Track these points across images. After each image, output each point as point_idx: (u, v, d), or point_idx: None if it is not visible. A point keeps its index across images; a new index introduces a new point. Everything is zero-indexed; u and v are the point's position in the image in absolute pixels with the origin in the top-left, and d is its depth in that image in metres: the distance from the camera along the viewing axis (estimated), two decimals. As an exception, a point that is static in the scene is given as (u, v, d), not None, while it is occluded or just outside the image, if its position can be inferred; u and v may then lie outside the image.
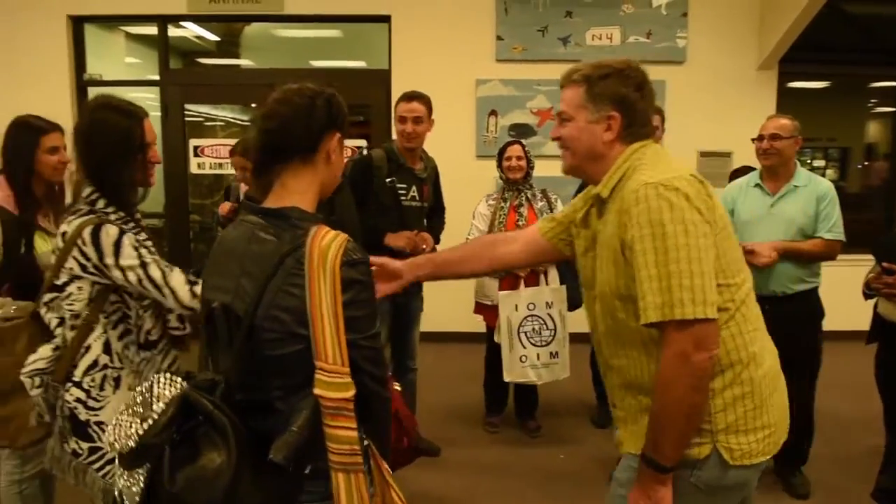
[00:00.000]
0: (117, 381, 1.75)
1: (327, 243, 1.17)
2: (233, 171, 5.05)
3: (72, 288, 1.70)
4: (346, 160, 3.51)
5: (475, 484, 3.20)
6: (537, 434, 3.70)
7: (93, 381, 1.71)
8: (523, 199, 3.55)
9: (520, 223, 3.48)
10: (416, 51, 5.20)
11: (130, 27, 5.97)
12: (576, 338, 4.11)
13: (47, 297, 1.75)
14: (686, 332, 1.25)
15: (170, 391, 1.16)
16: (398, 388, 3.13)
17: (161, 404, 1.14)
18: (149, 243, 1.77)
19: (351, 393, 1.17)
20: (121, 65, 6.10)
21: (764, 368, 1.39)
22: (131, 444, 1.10)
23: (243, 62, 6.43)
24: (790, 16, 4.79)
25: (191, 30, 5.81)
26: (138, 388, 1.20)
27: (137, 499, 1.15)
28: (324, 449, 1.17)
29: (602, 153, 1.43)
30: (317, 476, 1.20)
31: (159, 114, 5.52)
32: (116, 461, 1.17)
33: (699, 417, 1.32)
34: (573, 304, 3.59)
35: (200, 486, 1.10)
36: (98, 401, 1.72)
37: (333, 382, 1.15)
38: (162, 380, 1.19)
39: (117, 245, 1.66)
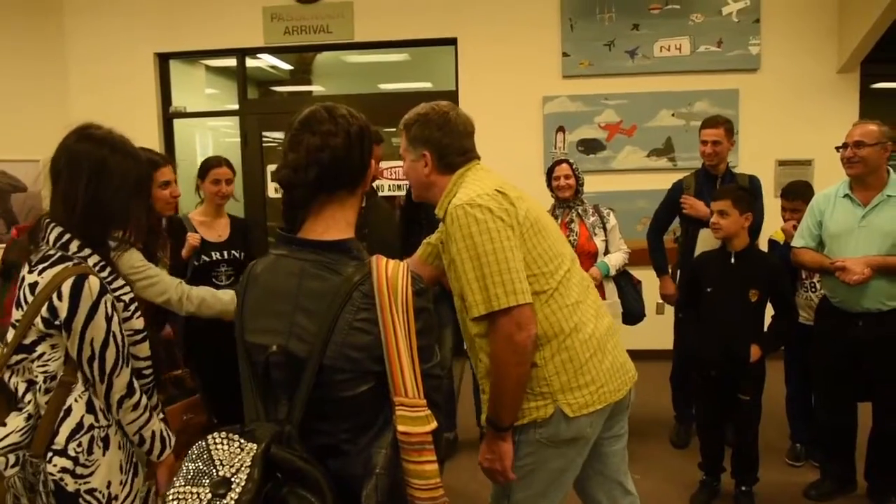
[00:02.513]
0: (105, 440, 1.56)
1: (393, 273, 1.13)
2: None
3: (43, 347, 1.51)
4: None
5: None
6: None
7: (79, 445, 1.51)
8: (573, 215, 3.53)
9: (570, 238, 3.45)
10: (482, 71, 5.26)
11: (209, 60, 6.30)
12: (653, 355, 4.04)
13: (14, 359, 1.52)
14: (507, 317, 1.53)
15: (232, 451, 1.07)
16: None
17: (231, 467, 1.05)
18: (128, 297, 1.61)
19: (433, 426, 1.13)
20: (201, 96, 6.42)
21: (584, 334, 1.68)
22: None
23: (315, 89, 6.67)
24: (873, 14, 4.55)
25: (266, 60, 6.08)
26: (193, 450, 1.09)
27: None
28: (401, 487, 1.14)
29: (429, 183, 1.73)
30: None
31: (238, 140, 5.79)
32: None
33: (525, 384, 1.60)
34: (634, 317, 3.54)
35: None
36: (87, 466, 1.52)
37: (417, 417, 1.11)
38: (218, 440, 1.09)
39: (93, 308, 1.48)
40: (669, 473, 3.36)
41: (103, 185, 1.53)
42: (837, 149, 2.85)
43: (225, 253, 2.94)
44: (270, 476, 1.06)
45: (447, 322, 3.42)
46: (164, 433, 1.69)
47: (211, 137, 6.72)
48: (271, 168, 5.57)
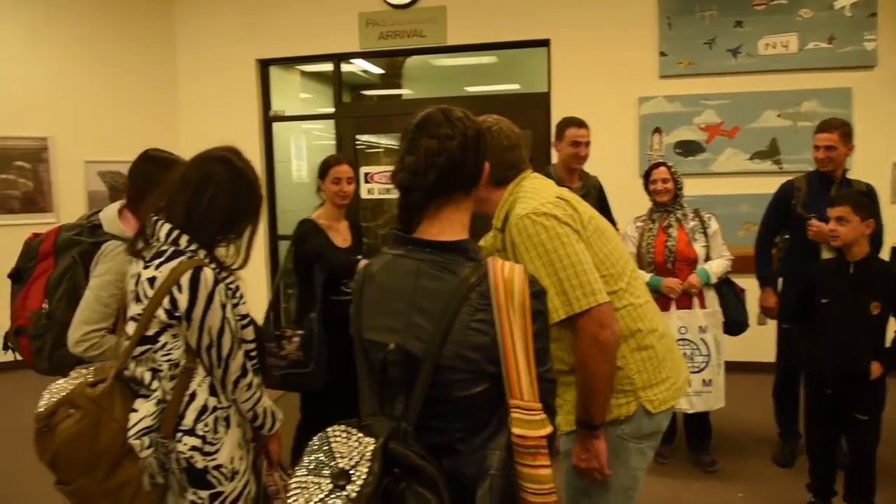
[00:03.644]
0: (227, 420, 1.68)
1: (510, 275, 1.13)
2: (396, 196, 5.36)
3: (165, 337, 1.61)
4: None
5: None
6: (713, 469, 3.47)
7: (206, 426, 1.63)
8: (672, 220, 3.41)
9: (668, 244, 3.34)
10: (576, 72, 5.19)
11: (305, 66, 6.52)
12: (752, 367, 3.87)
13: (138, 350, 1.63)
14: (588, 318, 1.52)
15: (351, 444, 1.10)
16: None
17: (357, 460, 1.07)
18: (234, 285, 1.71)
19: (549, 430, 1.12)
20: (296, 101, 6.67)
21: (659, 332, 1.71)
22: None
23: (404, 92, 6.78)
24: None
25: (358, 65, 6.23)
26: (312, 444, 1.12)
27: None
28: (514, 490, 1.13)
29: (483, 197, 1.69)
30: None
31: (329, 142, 5.96)
32: None
33: (613, 381, 1.60)
34: (737, 327, 3.38)
35: None
36: (213, 444, 1.64)
37: (532, 420, 1.11)
38: (337, 433, 1.11)
39: (210, 298, 1.58)
40: (774, 493, 3.19)
41: (220, 201, 1.65)
42: None
43: (353, 259, 2.81)
44: (388, 471, 1.07)
45: None
46: (273, 409, 1.81)
47: (304, 140, 6.96)
48: (364, 170, 5.70)
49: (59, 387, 1.68)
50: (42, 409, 1.64)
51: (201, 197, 1.63)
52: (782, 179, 3.60)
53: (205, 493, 1.64)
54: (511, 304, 1.11)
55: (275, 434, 1.82)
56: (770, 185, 3.65)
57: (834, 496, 2.90)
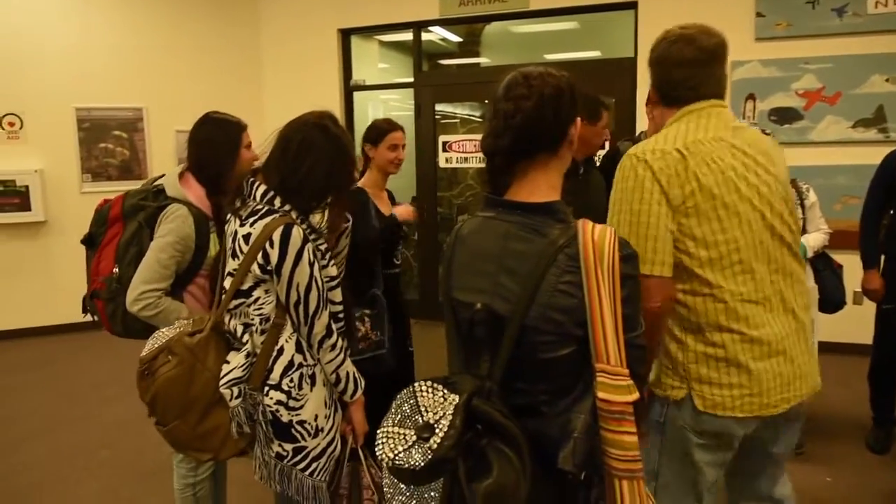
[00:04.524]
0: (312, 378, 1.71)
1: (600, 238, 1.11)
2: (474, 165, 5.35)
3: (258, 292, 1.66)
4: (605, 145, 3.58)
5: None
6: (800, 452, 3.32)
7: (291, 381, 1.67)
8: None
9: None
10: (663, 36, 4.95)
11: (383, 35, 6.54)
12: (845, 348, 3.66)
13: (233, 303, 1.69)
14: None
15: (436, 399, 1.11)
16: None
17: (435, 414, 1.08)
18: (323, 247, 1.74)
19: (635, 396, 1.10)
20: (375, 70, 6.71)
21: (751, 336, 1.48)
22: (427, 456, 1.04)
23: (482, 60, 6.69)
24: None
25: (436, 33, 6.19)
26: (400, 396, 1.14)
27: None
28: (596, 454, 1.12)
29: (650, 116, 1.65)
30: (586, 482, 1.16)
31: (406, 112, 5.98)
32: (394, 477, 1.11)
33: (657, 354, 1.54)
34: (834, 305, 3.21)
35: (502, 498, 1.05)
36: (298, 400, 1.68)
37: (618, 385, 1.09)
38: (424, 388, 1.13)
39: (299, 255, 1.61)
40: (864, 480, 3.03)
41: (318, 170, 1.68)
42: None
43: (398, 229, 2.73)
44: (471, 426, 1.09)
45: None
46: (356, 375, 1.82)
47: (382, 110, 7.01)
48: (442, 139, 5.69)
49: (162, 334, 1.77)
50: (145, 354, 1.74)
51: (300, 165, 1.66)
52: (888, 149, 3.34)
53: (289, 446, 1.69)
54: (600, 266, 1.09)
55: (357, 401, 1.83)
56: (873, 156, 3.40)
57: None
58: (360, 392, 1.83)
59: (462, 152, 5.60)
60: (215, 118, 2.16)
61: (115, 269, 2.05)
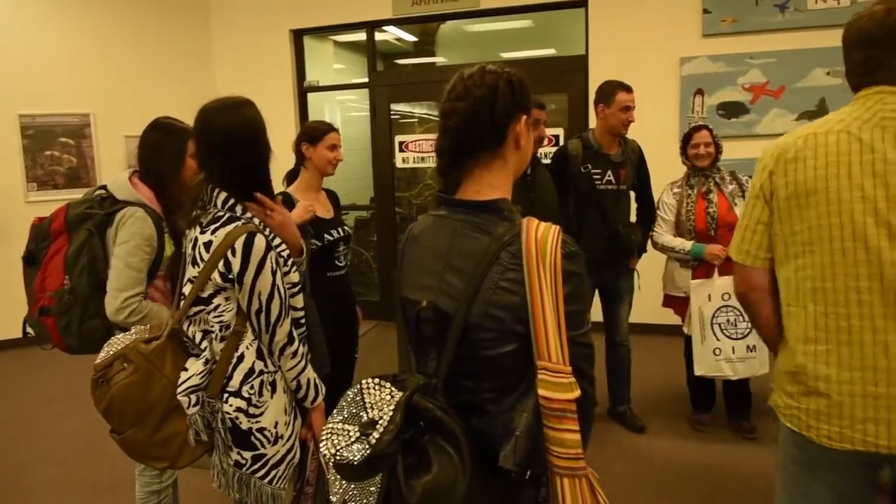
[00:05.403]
0: (273, 385, 1.70)
1: (543, 235, 1.11)
2: (431, 165, 5.33)
3: (218, 300, 1.65)
4: (544, 143, 3.63)
5: (683, 480, 3.06)
6: (752, 436, 3.42)
7: (252, 388, 1.66)
8: (711, 184, 3.32)
9: (709, 210, 3.26)
10: (614, 33, 5.04)
11: (338, 36, 6.48)
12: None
13: (192, 310, 1.67)
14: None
15: (382, 396, 1.11)
16: None
17: (380, 411, 1.09)
18: (286, 253, 1.73)
19: (576, 394, 1.09)
20: (330, 71, 6.65)
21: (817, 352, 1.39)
22: (364, 452, 1.05)
23: (438, 59, 6.70)
24: None
25: (391, 33, 6.17)
26: (349, 393, 1.15)
27: None
28: (541, 452, 1.12)
29: None
30: (532, 481, 1.16)
31: (363, 113, 5.95)
32: (334, 473, 1.12)
33: (763, 331, 1.62)
34: None
35: (439, 495, 1.05)
36: (258, 407, 1.67)
37: (559, 383, 1.09)
38: (371, 385, 1.13)
39: (261, 264, 1.61)
40: None
41: (243, 160, 1.68)
42: None
43: (340, 230, 2.74)
44: (413, 423, 1.09)
45: None
46: (317, 381, 1.81)
47: (339, 111, 6.95)
48: (399, 139, 5.68)
49: (118, 340, 1.74)
50: (100, 360, 1.71)
51: (228, 159, 1.66)
52: (832, 140, 3.45)
53: (248, 454, 1.68)
54: (542, 264, 1.09)
55: (318, 407, 1.82)
56: (818, 147, 3.50)
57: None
58: (321, 398, 1.82)
59: (419, 152, 5.60)
60: (163, 124, 2.16)
61: (66, 281, 2.01)
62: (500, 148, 1.21)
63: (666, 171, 3.63)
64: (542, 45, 6.51)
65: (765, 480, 3.00)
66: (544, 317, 1.09)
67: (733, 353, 3.24)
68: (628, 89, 3.34)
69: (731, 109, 4.85)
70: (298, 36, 5.93)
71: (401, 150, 5.67)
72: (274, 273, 1.63)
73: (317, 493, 1.93)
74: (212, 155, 1.67)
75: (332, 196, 2.88)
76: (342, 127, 6.33)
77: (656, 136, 4.49)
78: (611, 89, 3.35)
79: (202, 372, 1.66)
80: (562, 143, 4.87)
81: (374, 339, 3.02)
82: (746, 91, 4.83)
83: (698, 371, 3.30)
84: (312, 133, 2.69)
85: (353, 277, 3.29)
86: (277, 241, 1.73)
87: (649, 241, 3.50)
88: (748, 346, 3.24)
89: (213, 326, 1.67)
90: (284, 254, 1.73)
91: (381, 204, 5.98)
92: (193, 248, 1.67)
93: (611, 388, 3.69)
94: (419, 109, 6.31)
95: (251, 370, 1.66)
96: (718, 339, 3.25)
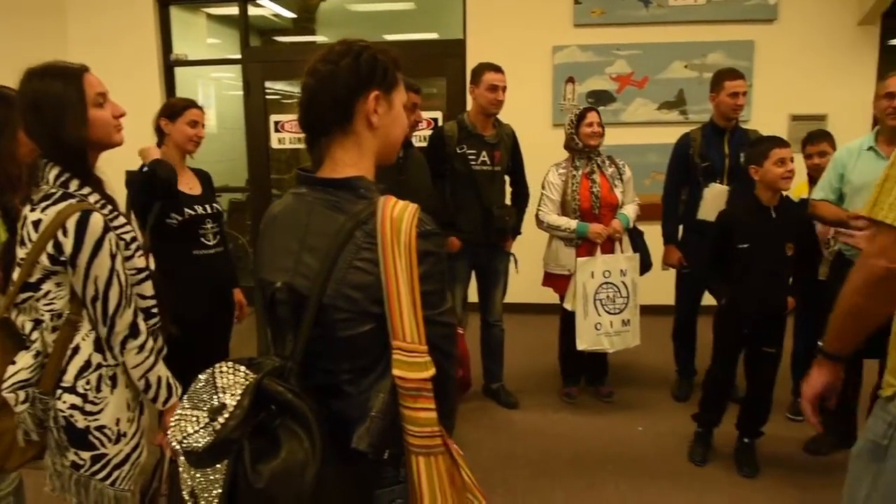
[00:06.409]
0: (113, 379, 1.58)
1: (399, 214, 1.10)
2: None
3: (48, 285, 1.51)
4: (420, 126, 3.64)
5: (550, 450, 3.21)
6: (610, 399, 3.70)
7: (88, 383, 1.54)
8: (594, 166, 3.50)
9: (593, 190, 3.44)
10: (491, 19, 5.12)
11: (211, 8, 6.15)
12: (657, 310, 4.04)
13: (20, 297, 1.53)
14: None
15: (236, 380, 1.09)
16: (461, 331, 3.15)
17: (232, 395, 1.06)
18: (129, 236, 1.62)
19: (431, 373, 1.09)
20: (203, 45, 6.30)
21: None
22: (207, 439, 1.02)
23: (318, 38, 6.53)
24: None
25: (269, 8, 5.93)
26: (200, 378, 1.11)
27: (217, 501, 1.08)
28: (399, 432, 1.12)
29: None
30: (391, 461, 1.17)
31: (241, 92, 5.70)
32: (183, 458, 1.07)
33: (859, 321, 1.34)
34: (646, 267, 3.59)
35: (287, 479, 1.03)
36: (96, 404, 1.55)
37: (413, 362, 1.09)
38: (224, 369, 1.10)
39: (98, 245, 1.48)
40: (671, 426, 3.38)
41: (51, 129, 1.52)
42: (879, 99, 2.75)
43: (207, 207, 2.63)
44: (264, 407, 1.07)
45: (460, 278, 3.49)
46: (170, 380, 1.69)
47: (213, 88, 6.62)
48: (274, 118, 5.48)
49: None
50: None
51: (46, 124, 1.51)
52: (688, 129, 3.71)
53: (86, 455, 1.56)
54: (397, 243, 1.08)
55: (171, 408, 1.69)
56: (676, 136, 3.75)
57: (717, 427, 3.10)
58: (174, 398, 1.69)
59: (297, 132, 5.44)
60: None
61: None
62: (349, 125, 1.18)
63: (540, 155, 3.75)
64: (425, 29, 6.51)
65: (619, 444, 3.24)
66: (399, 296, 1.08)
67: (611, 327, 3.45)
68: (497, 69, 3.41)
69: (600, 97, 5.08)
70: (164, 5, 5.56)
71: (277, 131, 5.48)
72: (113, 256, 1.51)
73: (172, 493, 1.83)
74: (30, 124, 1.52)
75: (203, 175, 2.77)
76: (217, 105, 6.03)
77: (530, 121, 4.62)
78: (479, 70, 3.44)
79: (32, 366, 1.52)
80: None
81: (250, 327, 2.92)
82: (614, 80, 5.08)
83: (580, 346, 3.46)
84: (171, 109, 2.63)
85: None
86: (120, 221, 1.60)
87: (535, 221, 3.59)
88: (623, 321, 3.47)
89: (43, 315, 1.53)
90: (127, 236, 1.61)
91: (256, 186, 5.76)
92: (23, 226, 1.52)
93: (485, 366, 3.78)
94: (298, 89, 6.12)
95: (87, 363, 1.54)
96: (600, 315, 3.43)
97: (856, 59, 4.90)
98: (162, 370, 1.67)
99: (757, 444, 3.02)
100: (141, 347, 1.59)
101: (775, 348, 2.90)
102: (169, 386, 1.68)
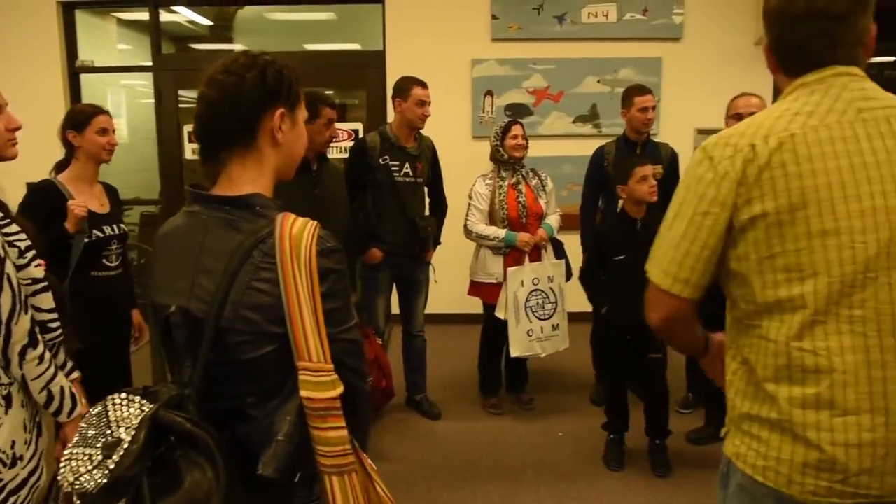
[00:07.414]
0: (8, 398, 1.48)
1: (298, 232, 1.07)
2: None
3: None
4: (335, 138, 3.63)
5: (472, 459, 3.23)
6: (531, 406, 3.78)
7: None
8: (520, 177, 3.60)
9: (520, 200, 3.54)
10: (410, 32, 5.15)
11: (122, 13, 5.91)
12: (576, 317, 4.15)
13: None
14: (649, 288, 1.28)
15: (131, 412, 1.04)
16: (379, 342, 3.16)
17: (127, 428, 1.02)
18: (23, 244, 1.52)
19: (339, 391, 1.08)
20: (113, 51, 6.04)
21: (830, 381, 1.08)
22: (101, 480, 0.96)
23: (236, 47, 6.38)
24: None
25: (183, 14, 5.75)
26: (92, 412, 1.06)
27: None
28: (310, 453, 1.10)
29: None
30: (303, 482, 1.15)
31: (152, 100, 5.49)
32: (77, 501, 1.01)
33: (683, 346, 1.44)
34: (568, 276, 3.70)
35: None
36: None
37: (320, 382, 1.07)
38: (118, 400, 1.05)
39: None
40: (590, 430, 3.46)
41: None
42: (729, 118, 3.00)
43: (115, 227, 2.52)
44: (163, 439, 1.02)
45: (382, 290, 3.47)
46: (72, 391, 1.62)
47: (124, 96, 6.35)
48: (188, 128, 5.31)
49: None
50: None
51: None
52: (601, 142, 3.85)
53: None
54: (296, 262, 1.05)
55: (74, 420, 1.61)
56: (590, 148, 3.89)
57: (627, 431, 3.22)
58: (78, 410, 1.62)
59: (212, 143, 5.29)
60: None
61: None
62: (252, 141, 1.15)
63: (461, 165, 3.81)
64: (346, 40, 6.48)
65: (539, 450, 3.30)
66: (301, 316, 1.06)
67: (542, 332, 3.55)
68: (423, 85, 3.47)
69: (518, 111, 5.20)
70: (69, 9, 5.30)
71: (191, 141, 5.31)
72: (2, 261, 1.42)
73: None
74: None
75: (110, 190, 2.63)
76: (128, 114, 5.78)
77: (451, 133, 4.68)
78: (407, 84, 3.46)
79: None
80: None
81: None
82: (530, 94, 5.21)
83: (514, 352, 3.53)
84: (77, 118, 2.46)
85: (138, 279, 3.03)
86: (14, 228, 1.51)
87: (463, 231, 3.64)
88: (553, 325, 3.58)
89: None
90: (21, 244, 1.51)
91: (169, 199, 5.55)
92: None
93: (407, 378, 3.78)
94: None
95: None
96: (531, 322, 3.52)
97: (754, 76, 5.18)
98: (63, 381, 1.59)
99: (669, 443, 3.14)
100: (41, 358, 1.51)
101: (660, 353, 3.04)
102: (73, 396, 1.61)
